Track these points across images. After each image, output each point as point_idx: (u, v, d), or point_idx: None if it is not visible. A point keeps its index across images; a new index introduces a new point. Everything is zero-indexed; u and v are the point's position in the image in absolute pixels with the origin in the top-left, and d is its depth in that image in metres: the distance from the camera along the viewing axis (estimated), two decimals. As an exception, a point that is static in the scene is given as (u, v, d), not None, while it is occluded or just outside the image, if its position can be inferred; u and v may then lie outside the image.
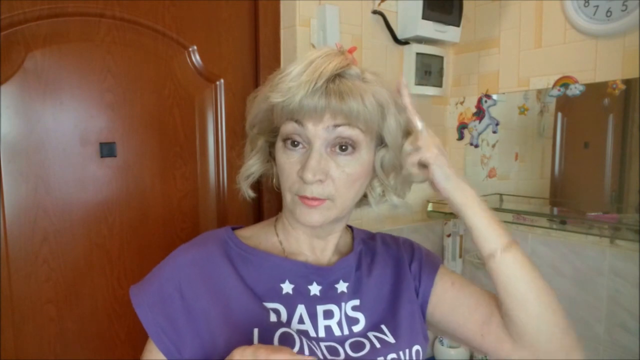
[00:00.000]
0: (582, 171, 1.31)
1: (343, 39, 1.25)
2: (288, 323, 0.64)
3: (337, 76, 0.61)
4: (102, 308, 1.03)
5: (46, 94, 0.94)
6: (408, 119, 0.66)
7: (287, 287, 0.66)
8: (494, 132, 1.46)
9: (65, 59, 0.95)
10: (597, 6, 1.18)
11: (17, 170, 0.92)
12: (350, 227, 0.81)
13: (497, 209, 1.45)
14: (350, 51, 0.65)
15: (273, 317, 0.62)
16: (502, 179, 1.47)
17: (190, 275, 0.64)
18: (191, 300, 0.62)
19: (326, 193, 0.62)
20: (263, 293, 0.65)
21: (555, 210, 1.35)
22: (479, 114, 1.49)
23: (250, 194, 0.72)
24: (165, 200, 1.10)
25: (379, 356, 0.63)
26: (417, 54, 1.40)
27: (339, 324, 0.66)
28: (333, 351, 0.63)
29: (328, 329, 0.65)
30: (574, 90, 1.24)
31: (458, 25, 1.42)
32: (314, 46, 1.20)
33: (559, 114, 1.32)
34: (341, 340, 0.65)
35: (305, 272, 0.68)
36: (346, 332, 0.66)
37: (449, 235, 1.55)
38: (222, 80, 1.15)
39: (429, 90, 1.46)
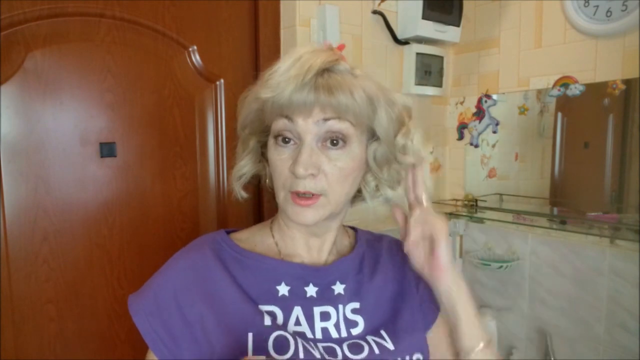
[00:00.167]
0: (582, 171, 1.31)
1: (343, 39, 1.25)
2: (284, 325, 0.64)
3: (326, 71, 0.61)
4: (102, 308, 1.03)
5: (46, 94, 0.94)
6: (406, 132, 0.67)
7: (283, 289, 0.66)
8: (494, 132, 1.46)
9: (65, 59, 0.95)
10: (597, 6, 1.18)
11: (17, 170, 0.92)
12: (354, 229, 0.81)
13: (497, 209, 1.45)
14: (340, 48, 0.66)
15: (267, 321, 0.62)
16: (502, 179, 1.47)
17: (185, 281, 0.64)
18: (187, 307, 0.62)
19: (319, 188, 0.62)
20: (259, 296, 0.65)
21: (555, 210, 1.35)
22: (479, 114, 1.49)
23: (242, 194, 0.72)
24: (165, 200, 1.10)
25: None
26: (417, 54, 1.40)
27: (336, 325, 0.66)
28: (331, 352, 0.63)
29: (325, 330, 0.65)
30: (574, 90, 1.24)
31: (458, 25, 1.42)
32: (314, 46, 1.20)
33: (559, 114, 1.32)
34: (339, 342, 0.65)
35: (301, 273, 0.68)
36: (344, 334, 0.66)
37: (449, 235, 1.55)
38: (222, 80, 1.16)
39: (429, 90, 1.46)
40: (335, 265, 0.70)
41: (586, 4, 1.20)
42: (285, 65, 0.60)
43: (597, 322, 1.21)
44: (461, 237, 1.55)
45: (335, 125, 0.61)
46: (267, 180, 0.71)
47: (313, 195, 0.62)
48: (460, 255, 1.56)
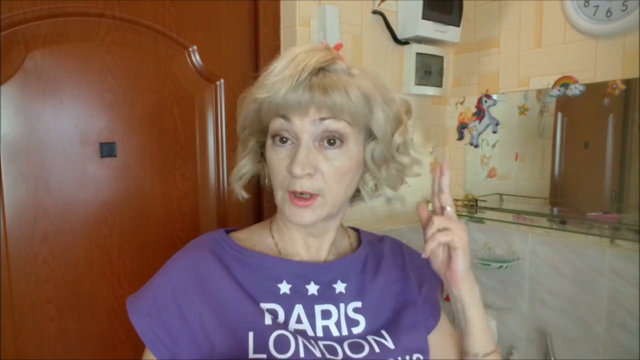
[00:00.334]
0: (582, 171, 1.31)
1: (343, 39, 1.25)
2: (285, 323, 0.64)
3: (321, 70, 0.61)
4: (102, 308, 1.03)
5: (46, 94, 0.94)
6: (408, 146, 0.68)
7: (284, 287, 0.66)
8: (494, 132, 1.46)
9: (65, 59, 0.95)
10: (597, 6, 1.18)
11: (17, 170, 0.92)
12: (356, 230, 0.81)
13: (497, 209, 1.45)
14: (337, 48, 0.65)
15: (268, 320, 0.62)
16: (502, 179, 1.47)
17: (184, 281, 0.64)
18: (185, 307, 0.62)
19: (316, 187, 0.62)
20: (260, 294, 0.65)
21: (555, 210, 1.35)
22: (479, 114, 1.49)
23: (243, 194, 0.72)
24: (165, 200, 1.10)
25: (378, 359, 0.63)
26: (417, 54, 1.40)
27: (337, 324, 0.66)
28: (331, 350, 0.63)
29: (326, 328, 0.65)
30: (574, 90, 1.24)
31: (458, 25, 1.42)
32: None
33: (559, 114, 1.32)
34: (339, 340, 0.65)
35: (302, 271, 0.68)
36: (345, 332, 0.66)
37: (449, 235, 1.55)
38: (222, 80, 1.16)
39: (429, 90, 1.46)
40: (335, 264, 0.70)
41: (586, 4, 1.20)
42: (280, 65, 0.60)
43: (597, 322, 1.21)
44: (461, 237, 1.55)
45: (332, 124, 0.61)
46: (266, 180, 0.71)
47: (311, 195, 0.62)
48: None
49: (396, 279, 0.74)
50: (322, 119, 0.61)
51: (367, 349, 0.64)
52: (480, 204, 1.50)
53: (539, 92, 1.34)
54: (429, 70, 1.44)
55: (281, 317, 0.64)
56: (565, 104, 1.29)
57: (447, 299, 1.53)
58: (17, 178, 0.92)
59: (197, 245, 0.69)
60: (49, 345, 0.97)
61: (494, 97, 1.45)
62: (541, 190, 1.38)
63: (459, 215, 1.51)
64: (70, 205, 0.98)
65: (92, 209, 1.00)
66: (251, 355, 0.59)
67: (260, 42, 1.19)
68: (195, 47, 1.11)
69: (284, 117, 0.61)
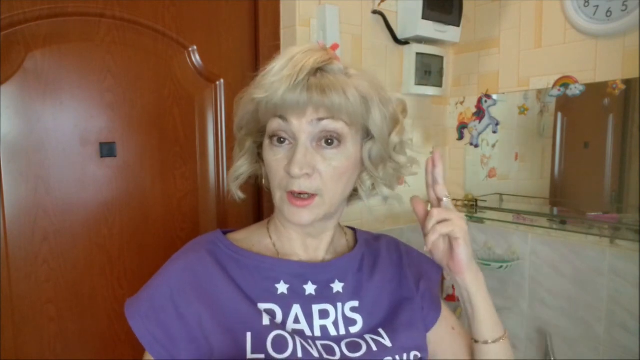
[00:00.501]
0: (582, 171, 1.31)
1: (343, 39, 1.25)
2: (283, 323, 0.64)
3: (319, 70, 0.61)
4: (102, 308, 1.03)
5: (46, 94, 0.94)
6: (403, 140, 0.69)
7: (282, 287, 0.66)
8: (494, 132, 1.46)
9: (65, 59, 0.95)
10: (597, 6, 1.18)
11: (17, 170, 0.92)
12: (353, 229, 0.81)
13: (497, 209, 1.45)
14: (333, 48, 0.66)
15: (266, 320, 0.62)
16: (502, 179, 1.47)
17: (181, 282, 0.64)
18: (183, 307, 0.62)
19: (314, 187, 0.62)
20: (257, 294, 0.65)
21: (555, 210, 1.35)
22: (479, 114, 1.49)
23: (240, 195, 0.72)
24: (165, 200, 1.10)
25: (375, 358, 0.63)
26: (417, 54, 1.40)
27: (335, 323, 0.66)
28: (329, 350, 0.63)
29: (324, 328, 0.65)
30: (574, 90, 1.24)
31: (458, 25, 1.42)
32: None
33: (559, 114, 1.32)
34: (337, 340, 0.65)
35: (300, 271, 0.68)
36: (342, 332, 0.66)
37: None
38: (222, 80, 1.16)
39: (429, 90, 1.46)
40: (333, 263, 0.70)
41: (586, 4, 1.20)
42: (278, 66, 0.60)
43: (597, 322, 1.21)
44: (461, 237, 1.55)
45: (330, 125, 0.61)
46: (264, 181, 0.72)
47: (309, 195, 0.62)
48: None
49: (393, 277, 0.74)
50: (320, 119, 0.61)
51: (364, 348, 0.64)
52: (480, 204, 1.50)
53: (539, 92, 1.34)
54: (429, 70, 1.44)
55: (279, 317, 0.64)
56: (565, 104, 1.29)
57: (447, 298, 1.53)
58: (17, 178, 0.92)
59: (194, 247, 0.69)
60: (49, 345, 0.97)
61: (494, 97, 1.45)
62: (541, 190, 1.38)
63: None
64: (70, 205, 0.98)
65: (92, 209, 1.00)
66: (249, 355, 0.59)
67: (260, 42, 1.19)
68: (195, 47, 1.11)
69: (282, 117, 0.61)
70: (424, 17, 1.32)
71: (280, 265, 0.68)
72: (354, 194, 0.71)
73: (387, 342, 0.66)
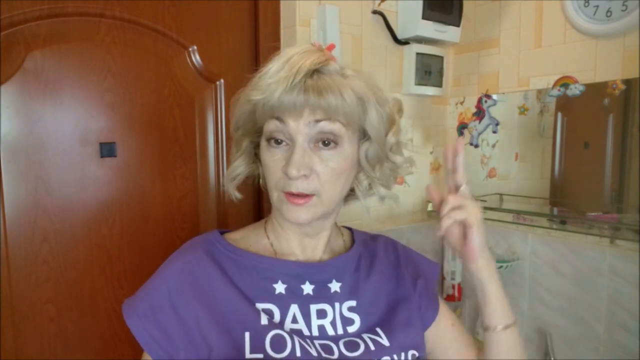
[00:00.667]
0: (582, 171, 1.31)
1: (343, 39, 1.25)
2: (281, 323, 0.64)
3: (316, 72, 0.61)
4: (102, 308, 1.03)
5: (46, 94, 0.94)
6: (399, 141, 0.69)
7: (279, 287, 0.66)
8: (494, 132, 1.46)
9: (65, 59, 0.95)
10: (597, 6, 1.18)
11: (17, 170, 0.92)
12: (349, 229, 0.82)
13: (497, 209, 1.45)
14: (329, 48, 0.66)
15: (264, 320, 0.63)
16: (502, 179, 1.47)
17: (179, 282, 0.64)
18: (181, 307, 0.63)
19: (311, 188, 0.62)
20: (255, 294, 0.65)
21: (555, 210, 1.35)
22: (479, 114, 1.49)
23: (237, 195, 0.73)
24: (165, 200, 1.10)
25: (373, 357, 0.64)
26: (417, 54, 1.40)
27: (333, 323, 0.66)
28: (327, 349, 0.63)
29: (321, 328, 0.66)
30: (574, 90, 1.24)
31: (458, 25, 1.42)
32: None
33: (559, 114, 1.32)
34: (335, 339, 0.65)
35: (297, 271, 0.68)
36: (340, 331, 0.66)
37: (449, 235, 1.55)
38: (222, 80, 1.16)
39: (429, 90, 1.46)
40: (330, 263, 0.70)
41: (586, 4, 1.20)
42: (275, 67, 0.60)
43: (597, 322, 1.21)
44: (461, 237, 1.55)
45: (327, 126, 0.61)
46: (261, 181, 0.72)
47: (306, 195, 0.62)
48: (460, 255, 1.56)
49: (390, 276, 0.75)
50: (316, 121, 0.61)
51: (362, 347, 0.64)
52: (480, 204, 1.50)
53: (539, 92, 1.34)
54: (429, 70, 1.44)
55: (277, 317, 0.64)
56: (565, 104, 1.29)
57: (447, 298, 1.53)
58: (17, 178, 0.92)
59: (191, 247, 0.69)
60: (49, 345, 0.97)
61: (494, 97, 1.45)
62: (541, 190, 1.38)
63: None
64: (70, 205, 0.98)
65: (92, 209, 1.00)
66: (248, 355, 0.59)
67: (260, 42, 1.19)
68: (195, 47, 1.11)
69: (279, 119, 0.62)
70: (424, 17, 1.32)
71: (277, 265, 0.68)
72: (350, 194, 0.71)
73: (385, 342, 0.66)
